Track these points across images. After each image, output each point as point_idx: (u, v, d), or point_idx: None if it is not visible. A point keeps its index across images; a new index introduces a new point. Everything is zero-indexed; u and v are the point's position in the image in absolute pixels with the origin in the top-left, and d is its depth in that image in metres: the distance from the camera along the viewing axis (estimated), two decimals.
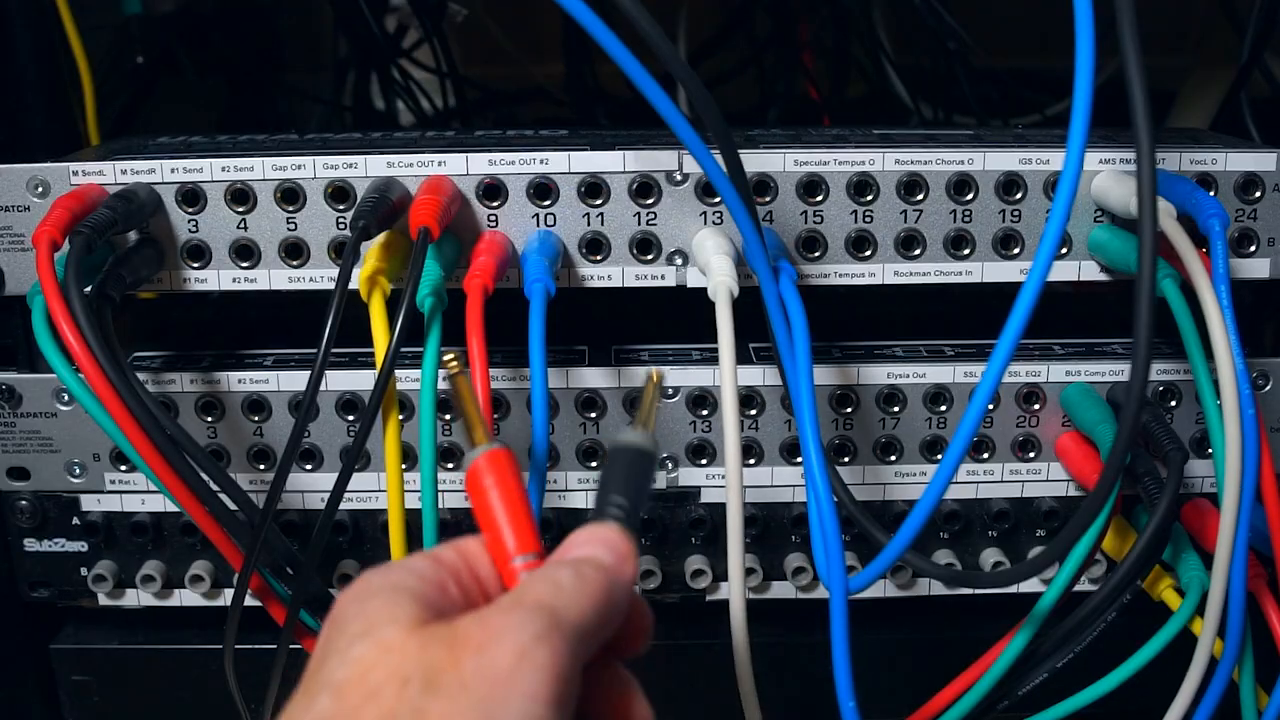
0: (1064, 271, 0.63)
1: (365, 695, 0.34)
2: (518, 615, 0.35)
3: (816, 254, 0.62)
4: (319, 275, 0.62)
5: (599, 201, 0.61)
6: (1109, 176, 0.61)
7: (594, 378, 0.63)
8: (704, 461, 0.65)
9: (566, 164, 0.61)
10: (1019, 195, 0.62)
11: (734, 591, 0.53)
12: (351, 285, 0.56)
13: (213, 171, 0.61)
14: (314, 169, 0.61)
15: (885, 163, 0.61)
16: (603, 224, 0.62)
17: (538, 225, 0.61)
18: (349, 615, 0.36)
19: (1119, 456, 0.48)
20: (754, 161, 0.61)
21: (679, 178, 0.61)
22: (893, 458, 0.65)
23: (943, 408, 0.65)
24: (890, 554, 0.49)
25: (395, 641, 0.35)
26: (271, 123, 1.15)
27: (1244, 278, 0.63)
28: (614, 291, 0.63)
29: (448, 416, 0.64)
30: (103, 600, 0.67)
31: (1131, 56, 0.45)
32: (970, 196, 0.62)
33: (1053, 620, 0.58)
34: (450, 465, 0.64)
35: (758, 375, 0.64)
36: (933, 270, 0.63)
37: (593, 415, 0.64)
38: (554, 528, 0.65)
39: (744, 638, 0.53)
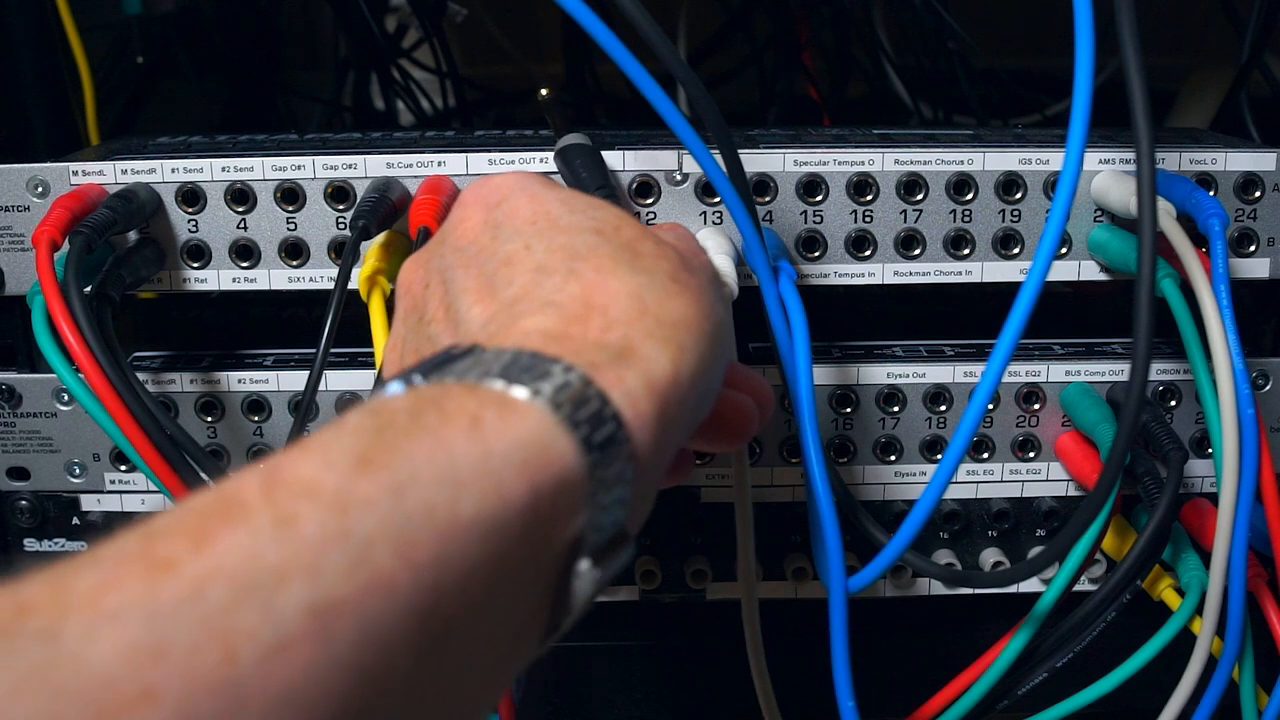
0: (1064, 271, 0.63)
1: (614, 225, 0.43)
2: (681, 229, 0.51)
3: (816, 254, 0.62)
4: (319, 275, 0.62)
5: None
6: (1109, 176, 0.61)
7: None
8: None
9: None
10: (1019, 195, 0.62)
11: (744, 592, 0.53)
12: (351, 285, 0.56)
13: (213, 171, 0.61)
14: (314, 169, 0.61)
15: (885, 163, 0.61)
16: None
17: None
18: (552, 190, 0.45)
19: (1119, 456, 0.48)
20: (754, 161, 0.61)
21: (679, 178, 0.61)
22: (892, 458, 0.65)
23: (943, 408, 0.65)
24: (890, 554, 0.49)
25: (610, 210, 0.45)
26: (271, 123, 1.15)
27: (1244, 278, 0.63)
28: None
29: None
30: None
31: (1131, 56, 0.45)
32: (970, 196, 0.62)
33: (1053, 620, 0.58)
34: None
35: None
36: (932, 270, 0.63)
37: None
38: None
39: (757, 636, 0.53)
